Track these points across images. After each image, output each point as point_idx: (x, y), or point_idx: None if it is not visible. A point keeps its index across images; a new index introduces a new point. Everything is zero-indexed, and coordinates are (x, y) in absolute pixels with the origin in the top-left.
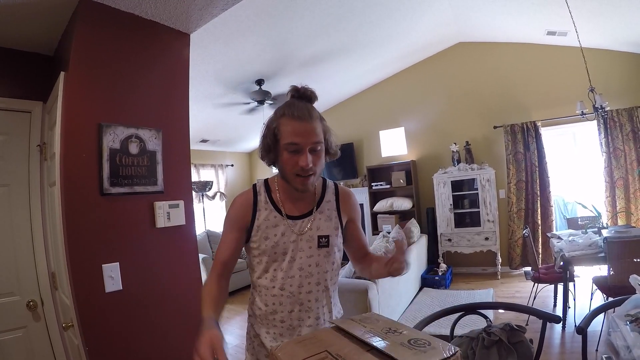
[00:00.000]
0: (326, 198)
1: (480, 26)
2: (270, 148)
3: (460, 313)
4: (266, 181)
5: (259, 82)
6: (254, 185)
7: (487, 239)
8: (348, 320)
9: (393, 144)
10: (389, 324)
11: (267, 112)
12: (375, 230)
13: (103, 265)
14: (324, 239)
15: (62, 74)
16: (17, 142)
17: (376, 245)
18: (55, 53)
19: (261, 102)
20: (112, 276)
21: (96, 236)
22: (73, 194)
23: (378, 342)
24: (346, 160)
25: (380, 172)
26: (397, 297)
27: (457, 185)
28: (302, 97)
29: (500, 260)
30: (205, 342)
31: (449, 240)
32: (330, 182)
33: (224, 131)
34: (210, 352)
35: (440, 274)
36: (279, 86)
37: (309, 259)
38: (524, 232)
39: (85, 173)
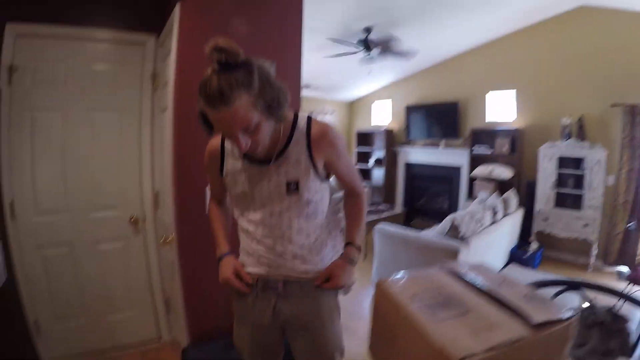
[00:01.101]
0: (295, 138)
1: None
2: (210, 127)
3: (563, 287)
4: None
5: (367, 30)
6: None
7: (586, 225)
8: (459, 266)
9: (500, 108)
10: (502, 276)
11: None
12: (470, 195)
13: (207, 188)
14: (292, 185)
15: (178, 4)
16: (129, 72)
17: (471, 209)
18: None
19: (368, 50)
20: None
21: (202, 160)
22: (184, 120)
23: (495, 291)
24: (448, 120)
25: (484, 136)
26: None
27: (563, 162)
28: (219, 63)
29: (596, 252)
30: (229, 268)
31: (546, 219)
32: (301, 119)
33: (327, 79)
34: (234, 275)
35: (530, 252)
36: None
37: (280, 204)
38: (629, 225)
39: (197, 100)
